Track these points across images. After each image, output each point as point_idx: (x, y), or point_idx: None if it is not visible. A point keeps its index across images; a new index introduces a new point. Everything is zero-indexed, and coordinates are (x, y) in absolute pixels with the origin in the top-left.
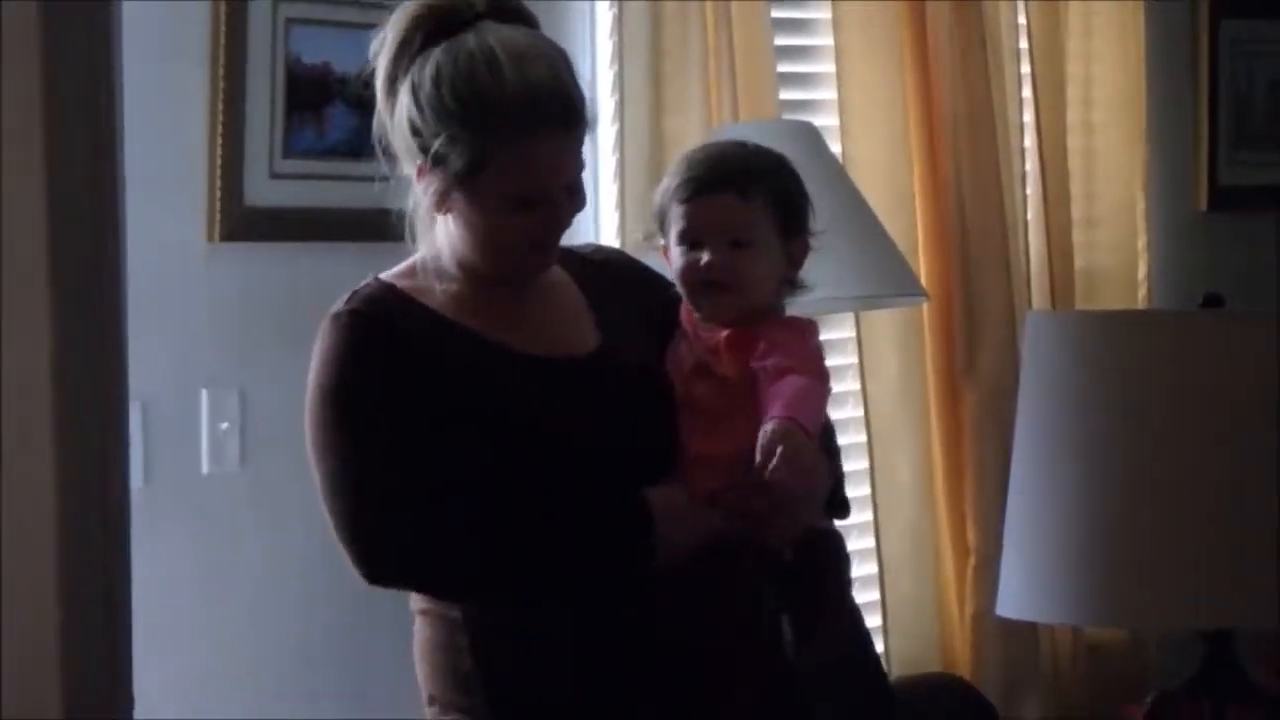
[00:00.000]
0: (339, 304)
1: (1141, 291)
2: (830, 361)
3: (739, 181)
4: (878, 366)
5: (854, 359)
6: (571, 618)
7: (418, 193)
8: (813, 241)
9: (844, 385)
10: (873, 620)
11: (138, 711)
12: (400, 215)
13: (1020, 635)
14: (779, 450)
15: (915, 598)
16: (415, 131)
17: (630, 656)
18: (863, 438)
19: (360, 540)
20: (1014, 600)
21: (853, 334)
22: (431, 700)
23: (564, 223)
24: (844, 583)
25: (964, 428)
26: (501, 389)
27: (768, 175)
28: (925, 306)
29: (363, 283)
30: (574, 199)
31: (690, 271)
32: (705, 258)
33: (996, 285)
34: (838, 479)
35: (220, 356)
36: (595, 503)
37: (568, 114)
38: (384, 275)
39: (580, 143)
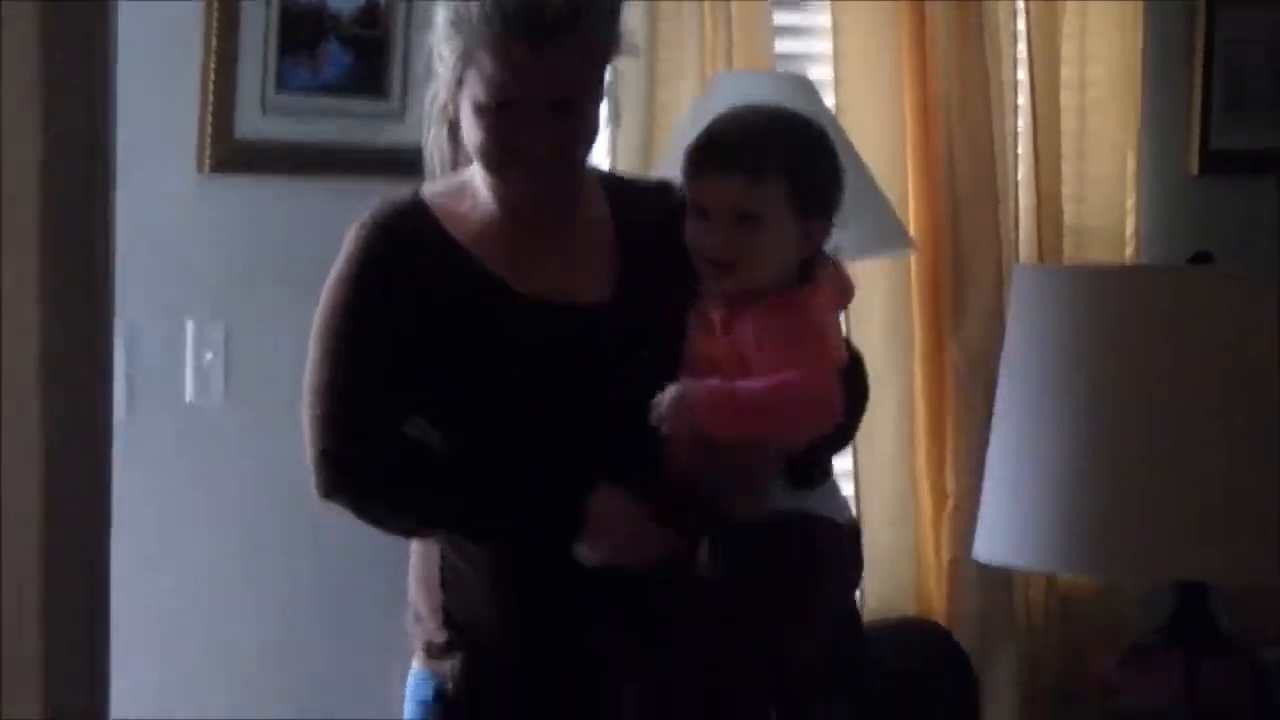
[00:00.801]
0: (369, 212)
1: (1129, 250)
2: None
3: (751, 158)
4: (864, 316)
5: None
6: (525, 557)
7: (435, 89)
8: (838, 220)
9: None
10: None
11: (116, 640)
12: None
13: (995, 583)
14: (666, 407)
15: (893, 544)
16: (437, 38)
17: (578, 600)
18: None
19: (322, 457)
20: (991, 545)
21: None
22: (416, 617)
23: (541, 138)
24: (809, 575)
25: (948, 378)
26: (493, 328)
27: (786, 151)
28: (913, 258)
29: (400, 194)
30: (567, 121)
31: (697, 246)
32: (711, 234)
33: (985, 239)
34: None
35: (206, 288)
36: (533, 486)
37: (540, 27)
38: (426, 188)
39: (570, 61)
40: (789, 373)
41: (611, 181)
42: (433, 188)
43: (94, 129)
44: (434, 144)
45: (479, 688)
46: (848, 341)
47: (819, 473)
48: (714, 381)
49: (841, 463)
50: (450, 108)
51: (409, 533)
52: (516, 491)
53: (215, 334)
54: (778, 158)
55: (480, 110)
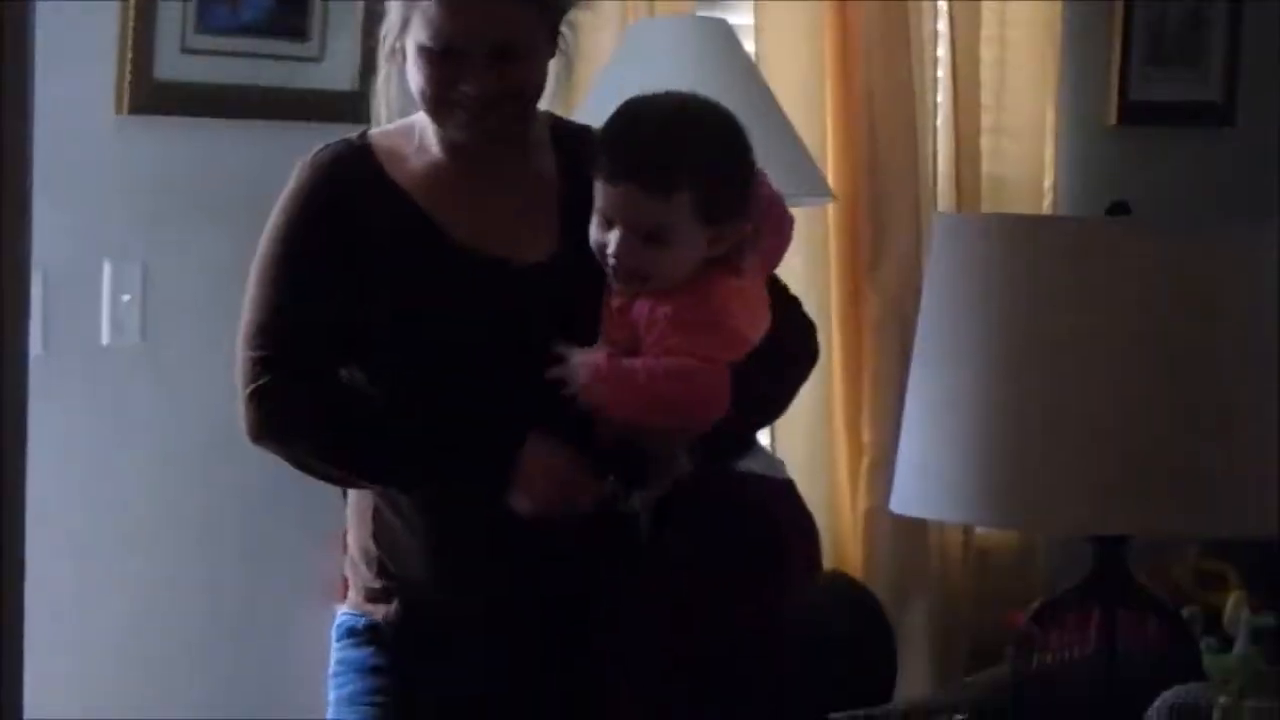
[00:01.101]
0: (314, 149)
1: (1047, 201)
2: None
3: (658, 172)
4: (782, 265)
5: None
6: (457, 515)
7: (385, 30)
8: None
9: None
10: None
11: (30, 576)
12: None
13: (911, 536)
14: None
15: (808, 496)
16: None
17: (512, 561)
18: None
19: (252, 398)
20: (908, 497)
21: None
22: (352, 563)
23: (483, 85)
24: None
25: (865, 328)
26: (425, 277)
27: (695, 160)
28: (831, 207)
29: (348, 135)
30: (510, 69)
31: (602, 253)
32: (615, 245)
33: (903, 188)
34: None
35: (124, 229)
36: (464, 436)
37: None
38: (374, 130)
39: (515, 8)
40: (674, 359)
41: (563, 130)
42: (381, 130)
43: (10, 69)
44: (383, 86)
45: (413, 637)
46: (796, 305)
47: (736, 445)
48: (601, 356)
49: None
50: (398, 50)
51: (339, 480)
52: (448, 440)
53: (132, 275)
54: (686, 170)
55: (423, 54)
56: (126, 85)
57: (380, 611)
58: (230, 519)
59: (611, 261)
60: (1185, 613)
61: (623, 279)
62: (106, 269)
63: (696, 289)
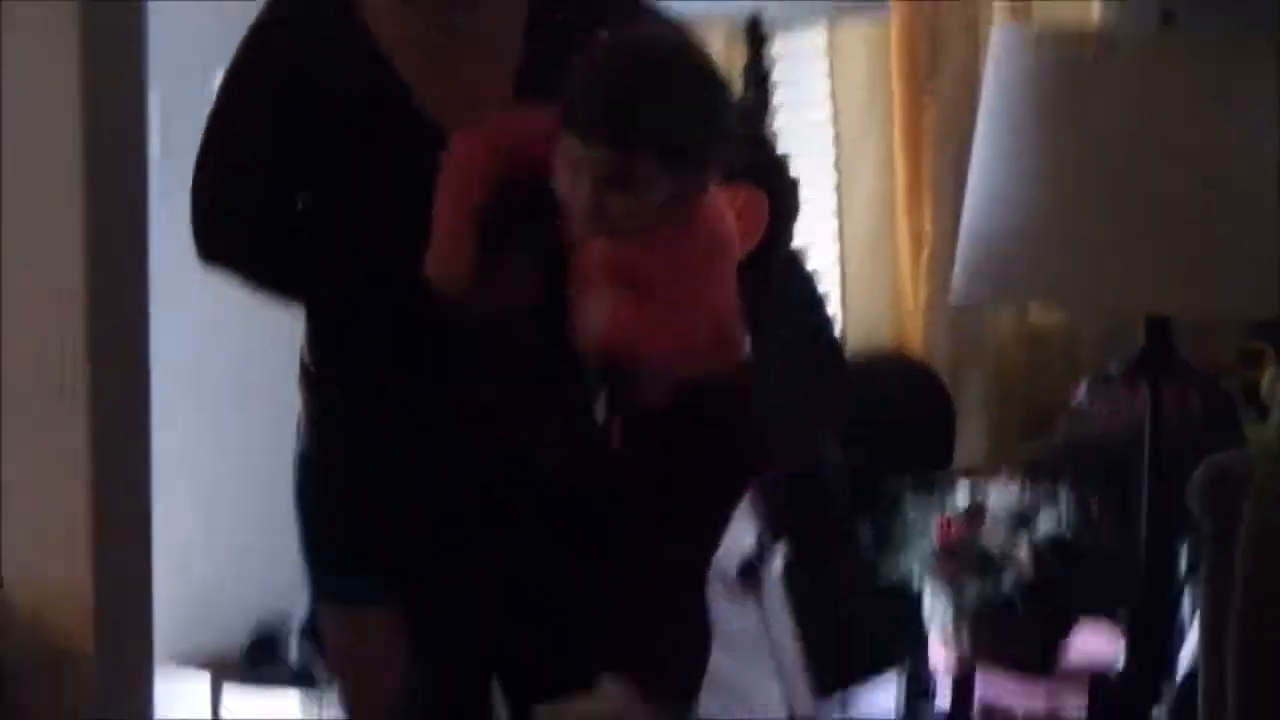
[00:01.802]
0: None
1: (1095, 10)
2: (803, 67)
3: (616, 129)
4: (847, 74)
5: (825, 65)
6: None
7: None
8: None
9: (814, 90)
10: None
11: (155, 349)
12: None
13: (969, 320)
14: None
15: (874, 284)
16: None
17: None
18: (830, 131)
19: (197, 220)
20: (966, 282)
21: (825, 41)
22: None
23: None
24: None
25: (925, 134)
26: (383, 135)
27: (656, 118)
28: (892, 26)
29: None
30: None
31: (567, 198)
32: (580, 193)
33: (959, 3)
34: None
35: (229, 46)
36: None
37: None
38: None
39: None
40: (709, 312)
41: None
42: None
43: None
44: None
45: (331, 455)
46: (774, 174)
47: None
48: (622, 306)
49: (825, 204)
50: None
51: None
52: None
53: None
54: (646, 127)
55: None
56: None
57: (310, 435)
58: None
59: (578, 215)
60: (1224, 385)
61: (594, 225)
62: (218, 79)
63: (691, 224)
